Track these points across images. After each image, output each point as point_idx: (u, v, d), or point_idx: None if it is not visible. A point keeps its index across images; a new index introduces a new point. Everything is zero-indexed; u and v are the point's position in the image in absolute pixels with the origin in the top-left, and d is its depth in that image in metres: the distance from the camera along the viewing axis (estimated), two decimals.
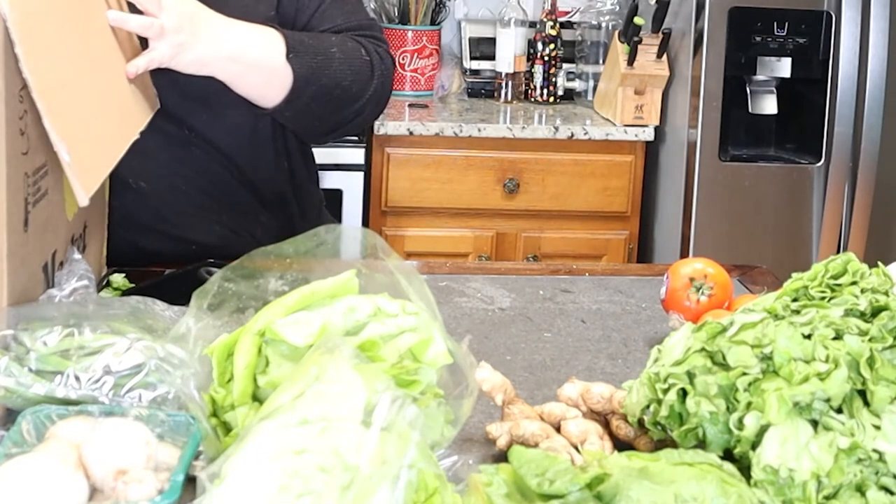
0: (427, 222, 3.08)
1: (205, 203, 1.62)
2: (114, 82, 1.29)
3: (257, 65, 1.48)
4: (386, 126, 2.97)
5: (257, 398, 0.97)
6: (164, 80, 1.43)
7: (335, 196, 2.93)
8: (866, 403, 0.90)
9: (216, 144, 1.61)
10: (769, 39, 2.91)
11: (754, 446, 0.90)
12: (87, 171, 1.12)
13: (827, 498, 0.87)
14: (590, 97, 3.36)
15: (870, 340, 0.92)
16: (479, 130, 3.01)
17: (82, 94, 1.17)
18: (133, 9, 1.33)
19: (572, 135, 3.04)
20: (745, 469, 0.90)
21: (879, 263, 1.02)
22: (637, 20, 2.95)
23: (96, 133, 1.19)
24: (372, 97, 1.61)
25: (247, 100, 1.52)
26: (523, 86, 3.38)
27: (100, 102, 1.23)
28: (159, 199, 1.59)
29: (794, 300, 0.98)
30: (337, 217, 2.91)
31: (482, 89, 3.46)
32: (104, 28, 1.28)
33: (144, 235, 1.59)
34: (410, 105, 3.26)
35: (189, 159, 1.60)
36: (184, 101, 1.51)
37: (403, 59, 3.35)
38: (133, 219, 1.56)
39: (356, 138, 2.96)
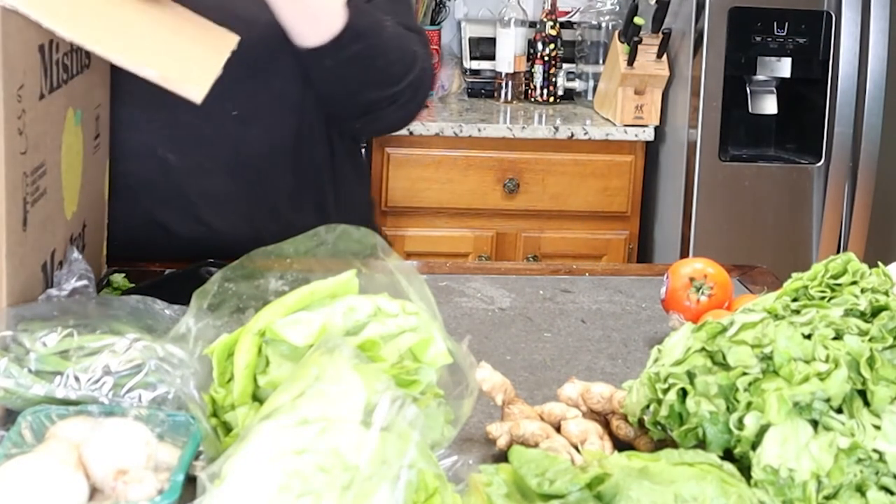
0: (427, 222, 3.08)
1: (228, 188, 1.58)
2: (175, 20, 1.27)
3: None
4: None
5: (257, 398, 0.96)
6: None
7: None
8: (866, 403, 0.90)
9: (256, 122, 1.56)
10: (769, 39, 2.91)
11: (754, 446, 0.90)
12: (186, 78, 1.11)
13: (827, 498, 0.87)
14: (590, 97, 3.37)
15: (870, 340, 0.92)
16: (479, 130, 3.01)
17: (142, 34, 1.17)
18: None
19: (572, 135, 3.04)
20: (745, 469, 0.90)
21: (879, 263, 1.02)
22: (637, 20, 2.95)
23: (180, 53, 1.19)
24: (411, 84, 1.56)
25: (295, 72, 1.49)
26: (523, 86, 3.38)
27: (168, 34, 1.22)
28: (183, 174, 1.56)
29: (794, 300, 0.98)
30: None
31: (482, 89, 3.46)
32: None
33: (160, 208, 1.56)
34: None
35: (222, 139, 1.56)
36: (228, 66, 1.43)
37: None
38: (153, 189, 1.54)
39: None
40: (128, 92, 1.43)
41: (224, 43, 1.33)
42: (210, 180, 1.57)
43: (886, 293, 0.96)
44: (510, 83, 3.34)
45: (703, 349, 0.96)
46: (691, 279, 1.35)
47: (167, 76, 1.08)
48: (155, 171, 1.54)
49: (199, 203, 1.58)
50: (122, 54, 1.06)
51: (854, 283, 0.97)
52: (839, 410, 0.90)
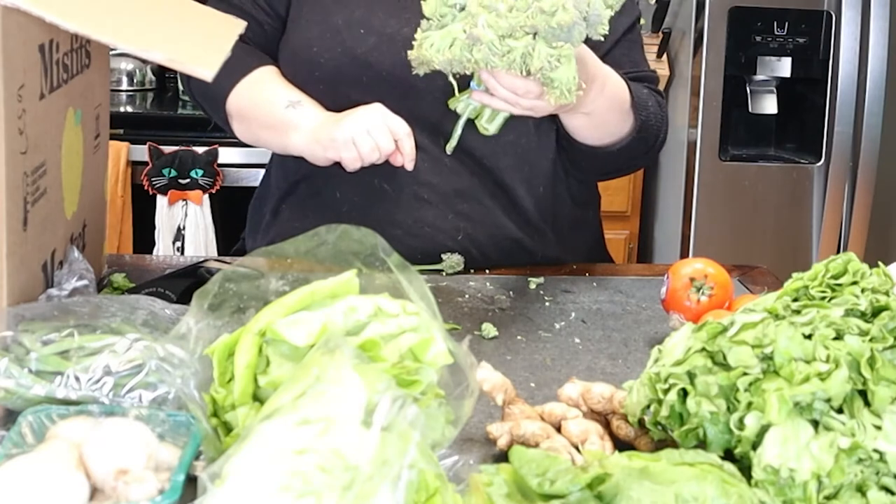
0: None
1: (447, 216, 1.59)
2: (177, 8, 1.27)
3: (619, 106, 1.49)
4: None
5: (258, 398, 0.96)
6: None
7: None
8: (867, 403, 0.90)
9: (474, 154, 1.56)
10: (769, 39, 2.91)
11: (755, 446, 0.90)
12: (194, 60, 1.11)
13: (828, 498, 0.87)
14: None
15: (870, 340, 0.92)
16: None
17: (146, 22, 1.17)
18: None
19: None
20: (745, 469, 0.90)
21: (880, 263, 1.02)
22: None
23: (187, 37, 1.20)
24: (654, 149, 1.62)
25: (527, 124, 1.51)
26: None
27: (173, 21, 1.23)
28: (398, 204, 1.57)
29: (795, 300, 0.98)
30: None
31: None
32: None
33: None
34: None
35: (439, 170, 1.56)
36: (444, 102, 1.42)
37: None
38: (367, 216, 1.54)
39: None
40: None
41: (230, 27, 1.33)
42: (427, 210, 1.58)
43: (887, 293, 0.96)
44: None
45: (703, 349, 0.96)
46: (691, 279, 1.35)
47: (174, 58, 1.08)
48: (371, 200, 1.56)
49: (412, 232, 1.57)
50: (130, 41, 1.06)
51: (854, 283, 0.97)
52: (840, 410, 0.90)
